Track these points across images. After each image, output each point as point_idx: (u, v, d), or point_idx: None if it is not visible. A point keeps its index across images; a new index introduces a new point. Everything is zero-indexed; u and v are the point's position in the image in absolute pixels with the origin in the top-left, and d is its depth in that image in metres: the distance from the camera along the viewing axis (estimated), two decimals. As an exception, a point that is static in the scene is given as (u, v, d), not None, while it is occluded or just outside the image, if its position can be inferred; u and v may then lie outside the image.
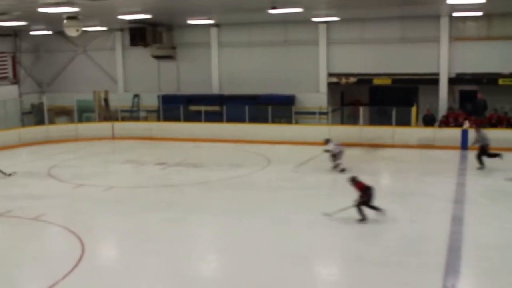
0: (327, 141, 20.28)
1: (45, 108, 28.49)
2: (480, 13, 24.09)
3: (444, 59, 25.76)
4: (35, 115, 30.59)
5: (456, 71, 25.76)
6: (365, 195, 13.65)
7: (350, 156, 22.55)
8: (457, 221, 13.55)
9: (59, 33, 30.00)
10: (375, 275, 10.43)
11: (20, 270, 11.22)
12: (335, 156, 19.69)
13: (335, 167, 19.65)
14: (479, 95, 24.82)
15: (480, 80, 25.34)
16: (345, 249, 12.02)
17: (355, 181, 14.06)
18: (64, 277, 10.44)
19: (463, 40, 25.67)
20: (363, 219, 13.55)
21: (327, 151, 19.85)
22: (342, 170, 19.20)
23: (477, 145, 19.93)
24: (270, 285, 10.07)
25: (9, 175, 19.53)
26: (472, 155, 21.99)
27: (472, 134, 22.92)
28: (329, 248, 12.27)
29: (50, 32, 30.86)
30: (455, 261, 10.97)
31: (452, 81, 25.93)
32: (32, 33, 31.00)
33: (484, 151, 19.63)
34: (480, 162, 19.54)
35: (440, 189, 16.77)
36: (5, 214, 14.82)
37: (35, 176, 19.73)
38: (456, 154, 22.29)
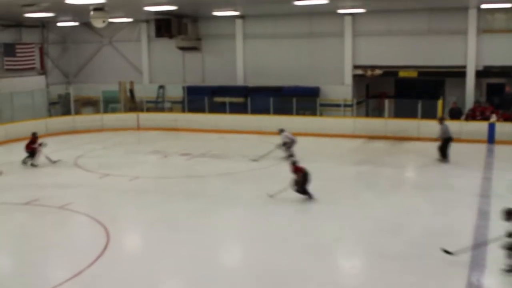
0: (281, 131, 20.67)
1: (72, 99, 28.81)
2: (509, 5, 23.71)
3: (471, 51, 25.40)
4: (62, 106, 30.97)
5: (484, 64, 25.38)
6: (299, 177, 14.94)
7: (374, 149, 22.49)
8: (483, 215, 13.42)
9: (86, 24, 30.37)
10: (398, 268, 10.39)
11: (46, 257, 11.42)
12: (286, 144, 20.21)
13: (289, 156, 19.43)
14: (507, 88, 24.46)
15: (508, 73, 24.94)
16: (368, 242, 11.97)
17: (293, 165, 15.21)
18: (89, 265, 10.59)
19: (492, 32, 25.28)
20: (310, 197, 14.81)
21: (283, 144, 20.23)
22: (290, 156, 19.18)
23: (439, 138, 19.86)
24: (293, 275, 10.10)
25: (55, 162, 19.86)
26: (499, 149, 21.79)
27: (499, 127, 22.74)
28: (352, 240, 12.24)
29: (77, 24, 31.18)
30: (481, 256, 10.87)
31: (480, 74, 25.56)
32: (59, 24, 31.33)
33: (445, 145, 19.54)
34: (443, 155, 19.49)
35: (466, 183, 16.60)
36: (32, 203, 15.06)
37: (62, 166, 19.97)
38: (482, 147, 22.03)
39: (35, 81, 30.68)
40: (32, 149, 19.85)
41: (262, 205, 14.74)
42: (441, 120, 20.17)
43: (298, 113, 26.62)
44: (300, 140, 20.97)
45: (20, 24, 30.41)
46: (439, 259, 10.68)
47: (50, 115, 30.03)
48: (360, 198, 15.38)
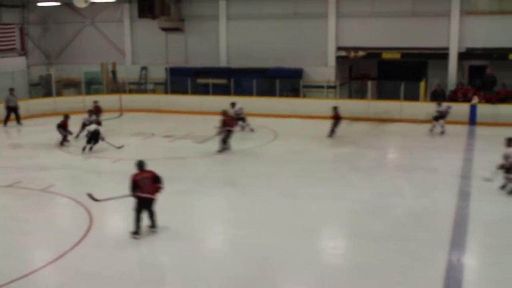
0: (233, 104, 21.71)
1: (53, 80, 28.50)
2: (492, -13, 23.82)
3: (454, 33, 25.51)
4: (43, 87, 30.59)
5: (466, 46, 25.52)
6: None
7: (357, 130, 22.59)
8: (463, 196, 13.58)
9: (67, 4, 29.99)
10: (381, 249, 10.49)
11: (29, 240, 11.35)
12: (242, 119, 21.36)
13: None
14: (488, 70, 24.62)
15: (490, 55, 25.11)
16: (352, 223, 12.07)
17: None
18: (72, 248, 10.56)
19: (475, 14, 25.38)
20: None
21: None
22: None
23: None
24: (278, 257, 10.15)
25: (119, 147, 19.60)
26: (481, 130, 21.99)
27: (480, 109, 22.95)
28: (336, 221, 12.34)
29: (58, 4, 30.74)
30: (461, 236, 11.03)
31: (462, 56, 25.71)
32: (40, 4, 30.85)
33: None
34: None
35: (448, 164, 16.74)
36: (14, 185, 14.94)
37: (43, 148, 19.83)
38: (464, 129, 22.24)
39: (16, 62, 30.20)
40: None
41: (246, 187, 14.78)
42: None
43: (281, 95, 26.63)
44: (283, 122, 21.06)
45: (-1, 4, 29.96)
46: (421, 240, 10.82)
47: (31, 96, 29.68)
48: (344, 180, 15.47)
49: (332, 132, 20.76)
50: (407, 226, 11.66)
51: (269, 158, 18.28)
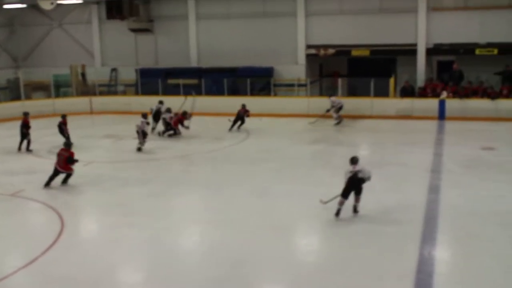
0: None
1: (21, 83, 28.11)
2: (457, -16, 24.14)
3: (422, 29, 25.80)
4: (11, 91, 30.07)
5: (434, 42, 25.83)
6: None
7: (328, 127, 22.73)
8: (433, 190, 13.76)
9: (34, 6, 29.57)
10: (353, 244, 10.58)
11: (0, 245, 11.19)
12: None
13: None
14: (455, 66, 24.95)
15: (457, 50, 25.45)
16: (324, 220, 12.09)
17: None
18: (44, 252, 10.44)
19: (441, 10, 25.70)
20: None
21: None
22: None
23: None
24: (251, 256, 10.16)
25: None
26: (450, 125, 22.31)
27: (449, 104, 23.26)
28: (308, 218, 12.37)
29: (24, 6, 30.31)
30: (431, 229, 11.17)
31: (430, 52, 26.02)
32: (5, 6, 30.38)
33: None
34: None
35: (418, 159, 16.94)
36: (-17, 191, 14.72)
37: (12, 152, 19.54)
38: (433, 124, 22.52)
39: (-18, 66, 29.83)
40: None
41: (219, 187, 14.74)
42: None
43: (252, 94, 26.65)
44: (255, 121, 21.08)
45: (-36, 7, 29.44)
46: (393, 234, 10.94)
47: (-1, 100, 29.26)
48: (315, 177, 15.55)
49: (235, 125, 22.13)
50: (378, 221, 11.77)
51: (242, 157, 18.30)
